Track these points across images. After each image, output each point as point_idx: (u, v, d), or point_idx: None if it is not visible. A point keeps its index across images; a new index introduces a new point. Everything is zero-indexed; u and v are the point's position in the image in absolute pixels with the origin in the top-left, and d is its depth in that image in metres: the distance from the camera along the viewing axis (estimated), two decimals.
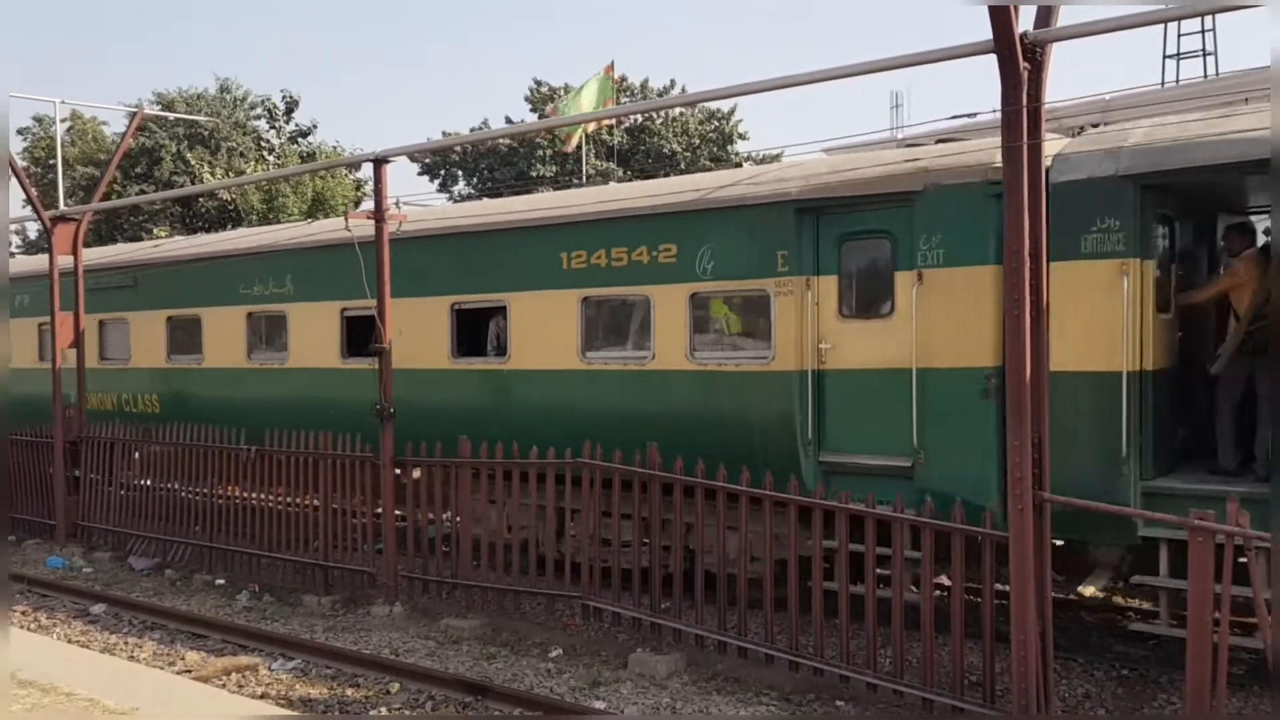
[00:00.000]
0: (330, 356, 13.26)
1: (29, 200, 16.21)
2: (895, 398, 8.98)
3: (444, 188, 46.05)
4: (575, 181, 36.67)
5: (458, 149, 44.22)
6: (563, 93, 45.54)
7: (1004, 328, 7.07)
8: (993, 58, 6.86)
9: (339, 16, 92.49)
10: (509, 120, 45.01)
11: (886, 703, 7.90)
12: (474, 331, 12.53)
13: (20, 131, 46.44)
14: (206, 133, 41.81)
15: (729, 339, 10.18)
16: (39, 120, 48.96)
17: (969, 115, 14.65)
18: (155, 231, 36.29)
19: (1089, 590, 10.42)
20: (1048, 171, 7.84)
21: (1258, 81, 12.40)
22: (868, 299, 9.40)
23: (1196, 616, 6.21)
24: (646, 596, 9.45)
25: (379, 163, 11.32)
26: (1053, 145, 8.31)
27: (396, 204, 11.74)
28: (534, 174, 41.32)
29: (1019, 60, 6.79)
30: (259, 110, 45.93)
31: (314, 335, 13.49)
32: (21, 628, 10.68)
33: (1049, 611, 7.11)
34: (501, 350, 11.91)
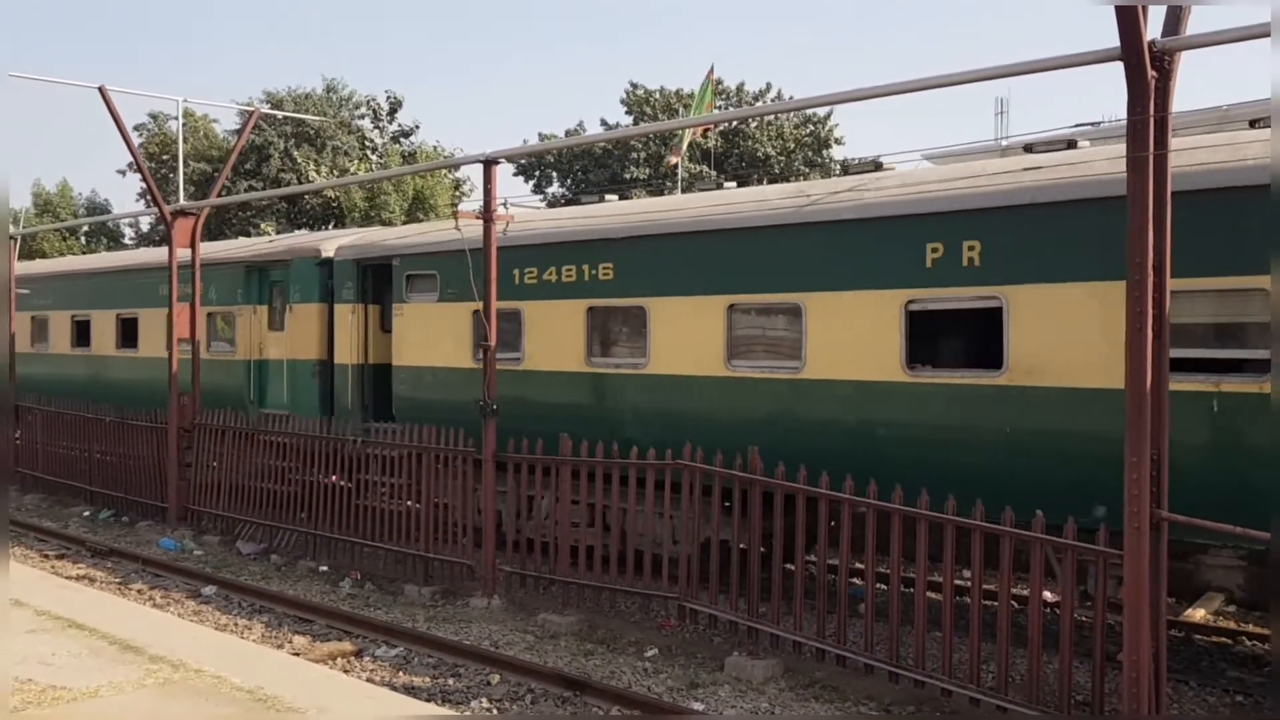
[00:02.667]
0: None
1: (150, 193, 16.88)
2: (281, 375, 16.03)
3: (539, 189, 46.58)
4: (669, 185, 36.77)
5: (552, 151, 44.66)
6: (658, 96, 45.74)
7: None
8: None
9: (444, 18, 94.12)
10: (604, 123, 45.36)
11: (990, 719, 7.78)
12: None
13: (137, 128, 48.23)
14: (313, 131, 42.96)
15: (221, 341, 17.19)
16: (154, 117, 50.81)
17: (1092, 124, 14.33)
18: (263, 227, 37.38)
19: (1199, 614, 10.15)
20: (330, 260, 15.36)
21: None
22: (277, 320, 16.28)
23: None
24: (744, 600, 9.46)
25: (489, 164, 11.51)
26: (329, 246, 15.58)
27: (504, 204, 11.95)
28: (627, 176, 41.54)
29: (1147, 69, 6.65)
30: (364, 110, 47.08)
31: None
32: (138, 603, 11.14)
33: (1164, 632, 6.95)
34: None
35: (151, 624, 8.87)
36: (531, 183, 46.94)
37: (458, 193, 43.29)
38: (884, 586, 8.64)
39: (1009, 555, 7.74)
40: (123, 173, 55.85)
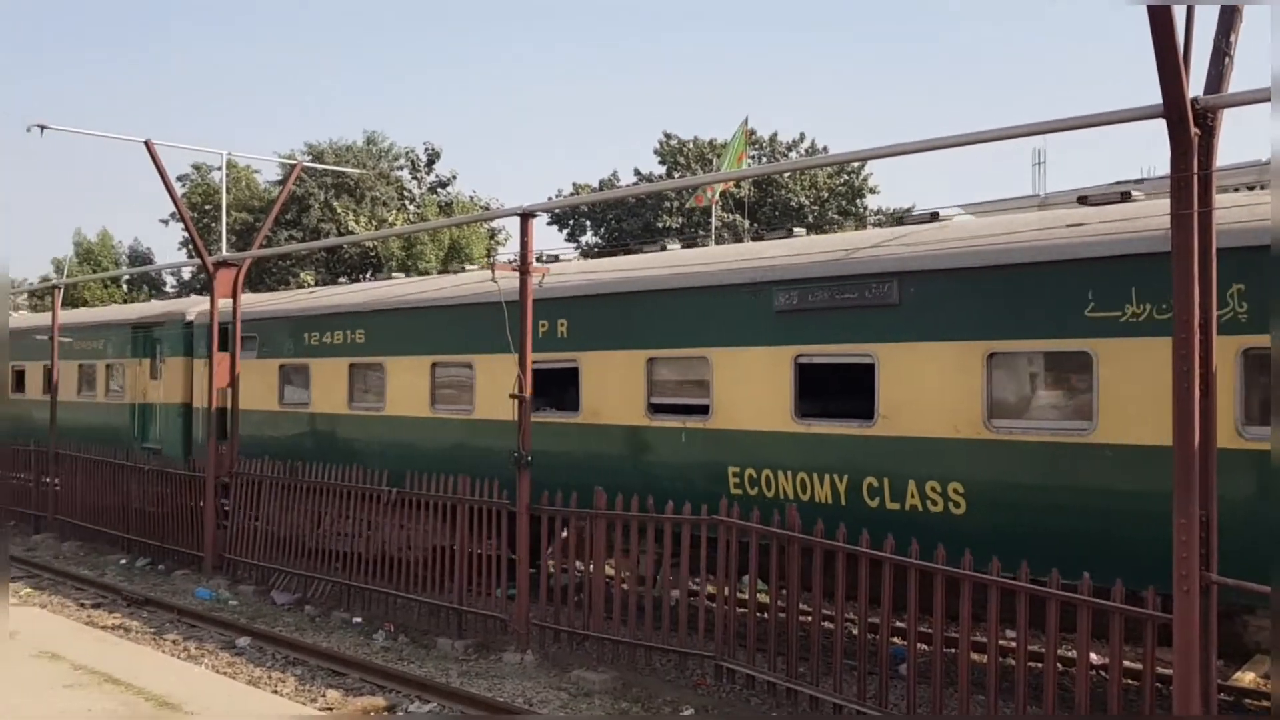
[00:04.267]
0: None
1: (194, 244, 17.14)
2: (161, 416, 19.45)
3: (572, 237, 46.94)
4: (702, 234, 36.91)
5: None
6: (691, 146, 46.06)
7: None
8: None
9: (480, 72, 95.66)
10: (638, 173, 45.73)
11: None
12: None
13: (180, 178, 49.16)
14: (353, 182, 43.61)
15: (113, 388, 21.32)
16: (197, 168, 51.78)
17: (1135, 182, 14.22)
18: (302, 276, 37.86)
19: (1248, 677, 9.87)
20: (191, 322, 18.71)
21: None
22: (156, 370, 19.61)
23: None
24: (782, 659, 9.31)
25: (525, 217, 11.60)
26: (192, 310, 19.34)
27: (540, 257, 12.02)
28: (660, 225, 41.76)
29: (1190, 126, 6.60)
30: (402, 161, 47.80)
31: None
32: (173, 656, 11.14)
33: (1214, 696, 6.75)
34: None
35: (186, 680, 8.88)
36: (565, 232, 47.34)
37: (493, 241, 43.72)
38: (926, 647, 8.47)
39: (1055, 617, 7.57)
40: (165, 222, 56.84)
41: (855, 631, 8.90)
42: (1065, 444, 8.70)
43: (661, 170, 45.65)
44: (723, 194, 35.19)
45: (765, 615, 9.66)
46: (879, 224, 37.44)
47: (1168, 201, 6.88)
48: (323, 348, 16.08)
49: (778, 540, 9.35)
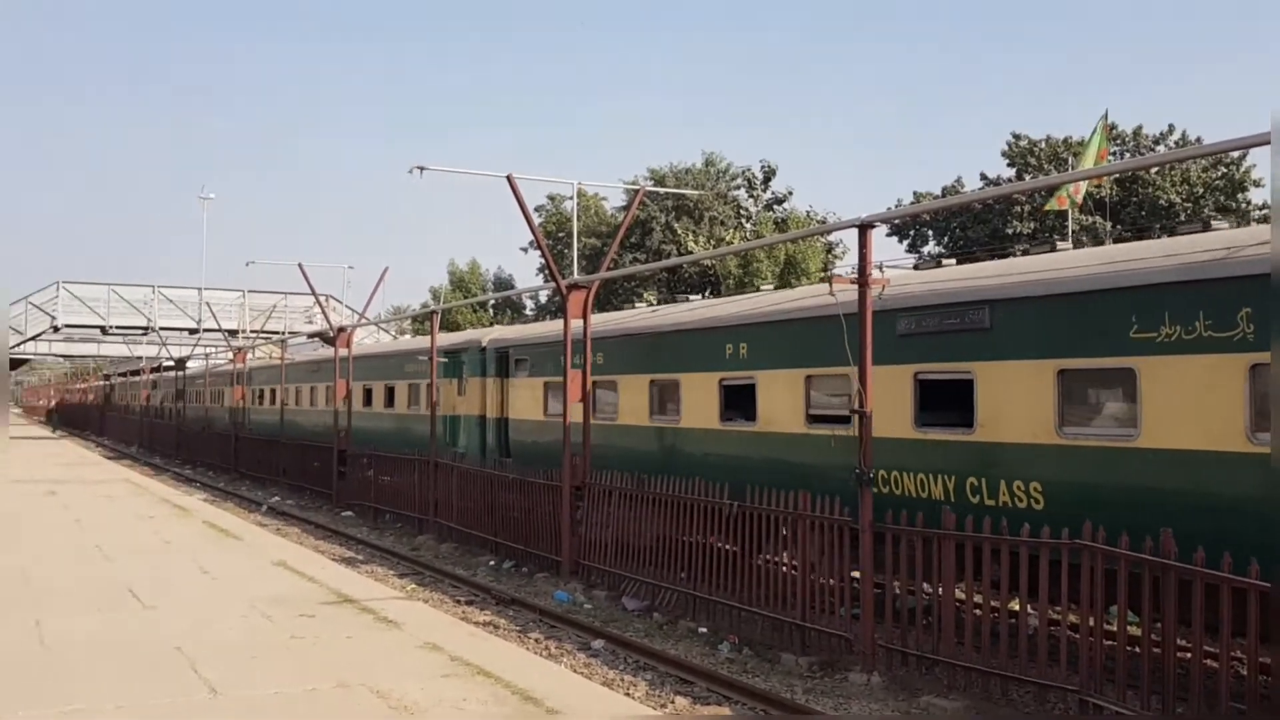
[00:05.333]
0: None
1: (549, 269, 18.37)
2: (465, 426, 23.65)
3: (913, 248, 45.69)
4: (1057, 238, 34.65)
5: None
6: (1043, 146, 43.46)
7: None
8: None
9: (814, 90, 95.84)
10: (984, 178, 43.79)
11: None
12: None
13: (536, 209, 52.95)
14: (692, 204, 45.01)
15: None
16: (551, 199, 55.48)
17: None
18: (645, 296, 39.50)
19: None
20: (485, 348, 23.34)
21: None
22: (460, 387, 23.96)
23: None
24: (1157, 698, 8.45)
25: (864, 227, 11.38)
26: (485, 338, 23.73)
27: (880, 268, 11.76)
28: (1009, 231, 39.69)
29: None
30: (739, 180, 48.74)
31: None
32: (536, 654, 11.88)
33: None
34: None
35: (547, 677, 9.38)
36: (905, 243, 46.19)
37: (830, 256, 43.47)
38: None
39: None
40: (524, 250, 61.51)
41: (1244, 671, 7.92)
42: (1117, 449, 10.09)
43: (1010, 173, 43.46)
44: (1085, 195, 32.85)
45: (1137, 649, 8.84)
46: (1262, 220, 33.46)
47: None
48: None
49: (1150, 568, 8.52)
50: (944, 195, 42.92)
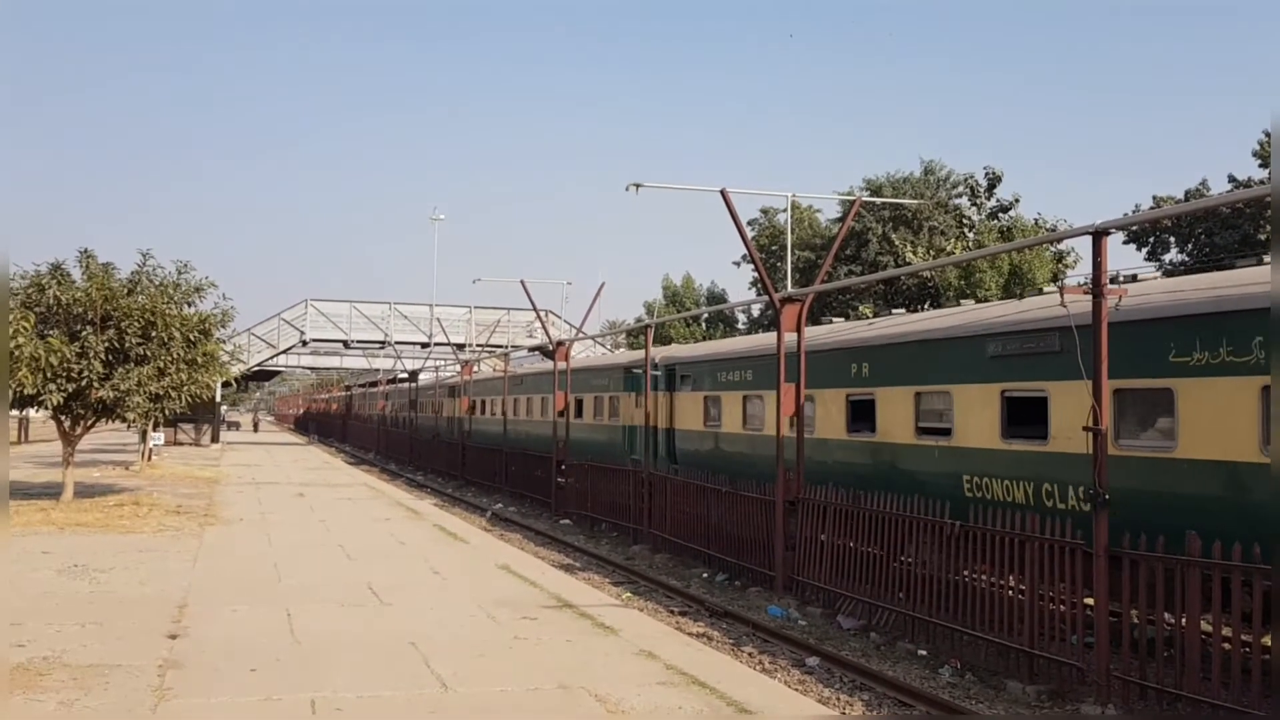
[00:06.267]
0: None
1: (762, 283, 18.32)
2: (640, 435, 24.97)
3: (1153, 256, 42.91)
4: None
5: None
6: None
7: None
8: None
9: (1046, 88, 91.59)
10: (1232, 179, 40.64)
11: None
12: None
13: (750, 223, 53.04)
14: (910, 214, 43.89)
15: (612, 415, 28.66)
16: (764, 212, 55.40)
17: None
18: (861, 309, 38.81)
19: None
20: (658, 364, 25.06)
21: None
22: (638, 400, 25.45)
23: None
24: None
25: (1098, 235, 10.79)
26: (657, 355, 24.98)
27: (1116, 278, 11.11)
28: (1261, 237, 36.64)
29: None
30: (960, 189, 47.13)
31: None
32: (750, 667, 11.85)
33: None
34: None
35: (762, 691, 9.33)
36: (1144, 251, 43.42)
37: (1060, 265, 41.42)
38: None
39: None
40: (737, 264, 61.65)
41: None
42: (1160, 459, 11.65)
43: (1262, 174, 40.16)
44: None
45: None
46: None
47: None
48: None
49: None
50: (1186, 199, 40.12)
